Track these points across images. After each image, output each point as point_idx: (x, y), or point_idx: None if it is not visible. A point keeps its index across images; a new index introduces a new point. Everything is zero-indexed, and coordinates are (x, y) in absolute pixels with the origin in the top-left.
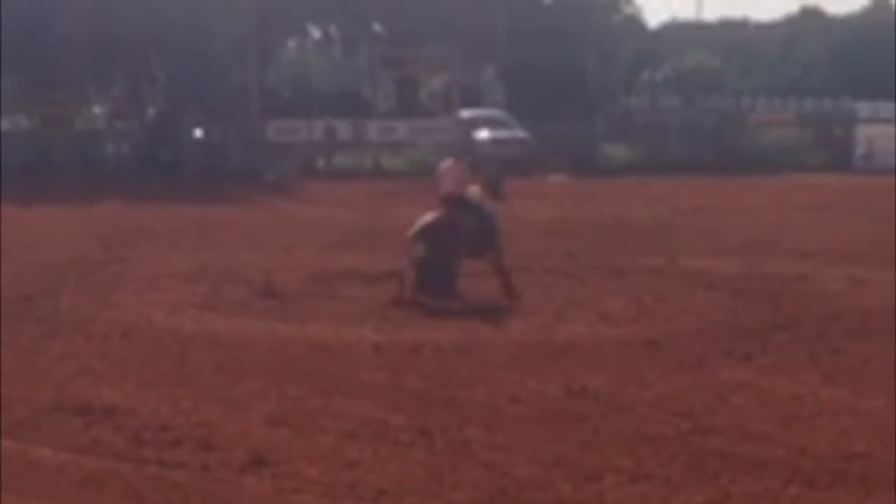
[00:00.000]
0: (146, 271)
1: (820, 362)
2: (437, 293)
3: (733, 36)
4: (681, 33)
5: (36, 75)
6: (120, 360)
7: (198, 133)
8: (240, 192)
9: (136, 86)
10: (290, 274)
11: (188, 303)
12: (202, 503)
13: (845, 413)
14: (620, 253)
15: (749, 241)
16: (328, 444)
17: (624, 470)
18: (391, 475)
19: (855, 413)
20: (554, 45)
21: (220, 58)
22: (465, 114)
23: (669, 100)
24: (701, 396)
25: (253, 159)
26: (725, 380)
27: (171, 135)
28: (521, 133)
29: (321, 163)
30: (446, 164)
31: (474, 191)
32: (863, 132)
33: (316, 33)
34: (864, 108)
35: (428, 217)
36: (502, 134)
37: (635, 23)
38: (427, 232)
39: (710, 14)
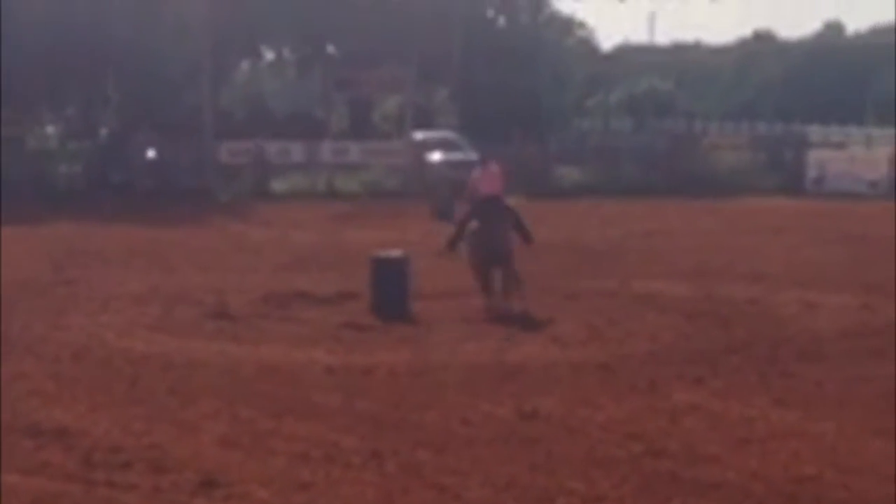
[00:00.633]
0: (98, 292)
1: (771, 385)
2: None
3: (686, 59)
4: (633, 56)
5: None
6: (71, 382)
7: (150, 154)
8: (192, 213)
9: (89, 106)
10: (243, 295)
11: (140, 324)
12: None
13: (796, 436)
14: (573, 275)
15: (701, 265)
16: (280, 465)
17: (576, 492)
18: (343, 497)
19: (806, 436)
20: (507, 67)
21: (173, 78)
22: (419, 136)
23: (622, 122)
24: (653, 419)
25: (206, 180)
26: (677, 403)
27: (124, 155)
28: (473, 155)
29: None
30: (482, 168)
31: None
32: (814, 156)
33: (269, 54)
34: (815, 131)
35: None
36: (455, 156)
37: (588, 46)
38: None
39: (663, 37)
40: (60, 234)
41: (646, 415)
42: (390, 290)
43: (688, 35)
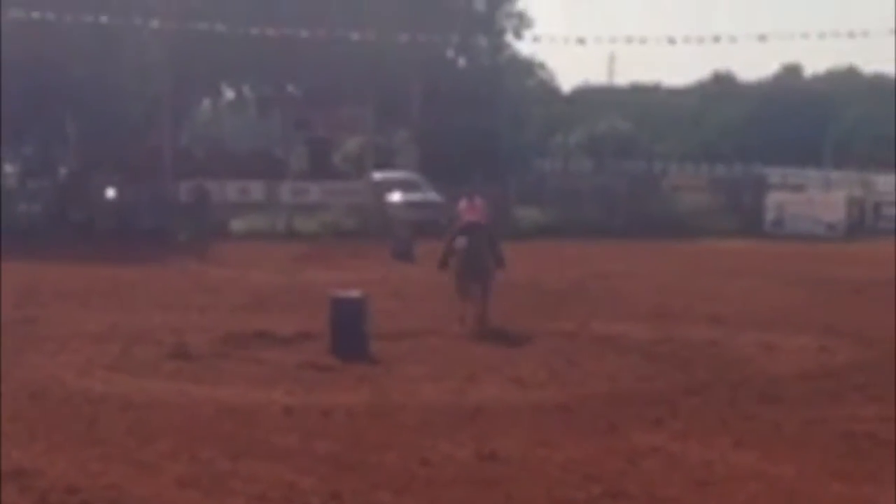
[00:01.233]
0: (57, 331)
1: (731, 427)
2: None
3: (646, 100)
4: (593, 97)
5: None
6: (29, 422)
7: (110, 193)
8: (152, 252)
9: (48, 144)
10: (202, 335)
11: (99, 363)
12: None
13: (756, 478)
14: (533, 316)
15: (661, 306)
16: None
17: None
18: None
19: (765, 478)
20: (468, 108)
21: (133, 117)
22: (378, 176)
23: (582, 163)
24: (612, 461)
25: (165, 219)
26: (637, 444)
27: (84, 194)
28: (433, 196)
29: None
30: (468, 200)
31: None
32: (773, 198)
33: (230, 93)
34: (774, 173)
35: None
36: (415, 197)
37: (548, 87)
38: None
39: (623, 78)
40: (19, 273)
41: (605, 456)
42: (349, 331)
43: (647, 76)
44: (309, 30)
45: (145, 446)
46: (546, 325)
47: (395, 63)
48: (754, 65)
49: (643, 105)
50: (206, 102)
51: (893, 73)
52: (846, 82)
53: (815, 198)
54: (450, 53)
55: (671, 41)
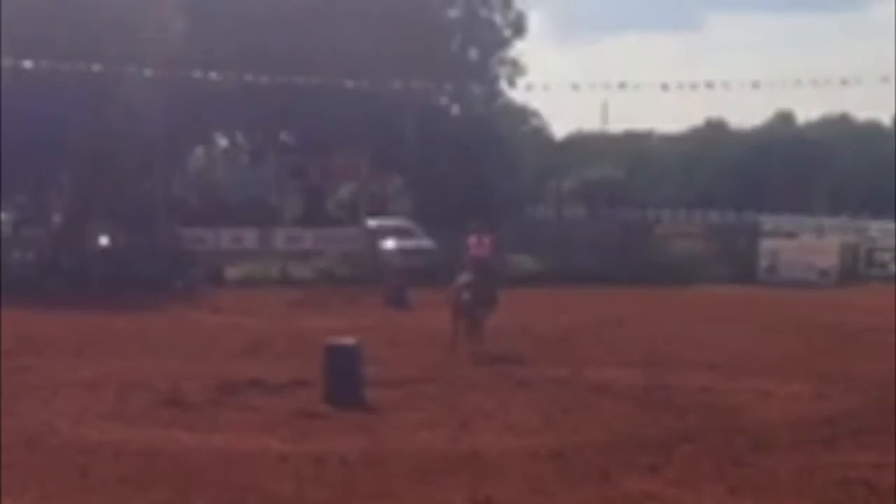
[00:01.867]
0: (50, 380)
1: (725, 474)
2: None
3: (639, 147)
4: (586, 144)
5: None
6: (22, 471)
7: (103, 241)
8: (146, 300)
9: (41, 193)
10: (196, 383)
11: (92, 412)
12: None
13: None
14: (526, 363)
15: (654, 353)
16: None
17: None
18: None
19: None
20: (461, 155)
21: (126, 166)
22: (372, 223)
23: (575, 210)
24: None
25: (159, 268)
26: (631, 491)
27: (77, 242)
28: (427, 242)
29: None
30: (476, 237)
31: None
32: (766, 245)
33: (223, 141)
34: (767, 220)
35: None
36: (409, 243)
37: (542, 134)
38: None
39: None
40: (12, 321)
41: (599, 503)
42: (343, 378)
43: (640, 124)
44: (303, 77)
45: (139, 495)
46: (540, 371)
47: (389, 111)
48: (747, 112)
49: (636, 152)
50: (200, 150)
51: (886, 120)
52: (839, 129)
53: (808, 244)
54: (443, 101)
55: (664, 87)
